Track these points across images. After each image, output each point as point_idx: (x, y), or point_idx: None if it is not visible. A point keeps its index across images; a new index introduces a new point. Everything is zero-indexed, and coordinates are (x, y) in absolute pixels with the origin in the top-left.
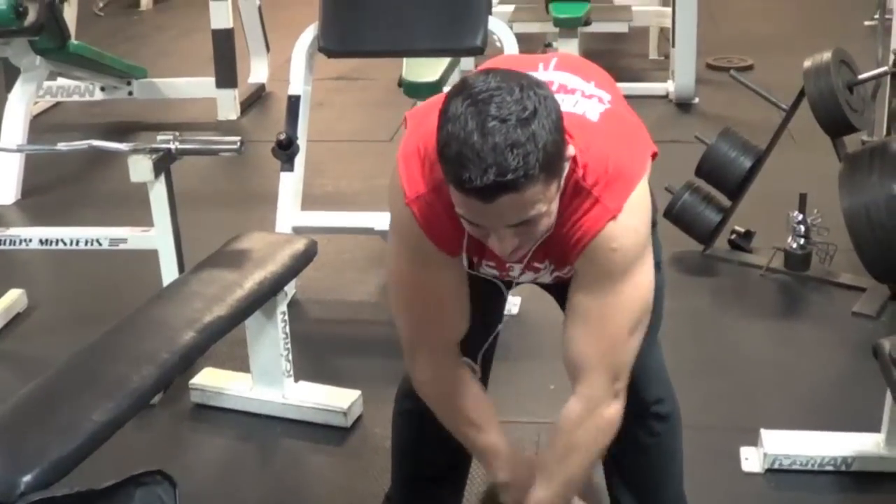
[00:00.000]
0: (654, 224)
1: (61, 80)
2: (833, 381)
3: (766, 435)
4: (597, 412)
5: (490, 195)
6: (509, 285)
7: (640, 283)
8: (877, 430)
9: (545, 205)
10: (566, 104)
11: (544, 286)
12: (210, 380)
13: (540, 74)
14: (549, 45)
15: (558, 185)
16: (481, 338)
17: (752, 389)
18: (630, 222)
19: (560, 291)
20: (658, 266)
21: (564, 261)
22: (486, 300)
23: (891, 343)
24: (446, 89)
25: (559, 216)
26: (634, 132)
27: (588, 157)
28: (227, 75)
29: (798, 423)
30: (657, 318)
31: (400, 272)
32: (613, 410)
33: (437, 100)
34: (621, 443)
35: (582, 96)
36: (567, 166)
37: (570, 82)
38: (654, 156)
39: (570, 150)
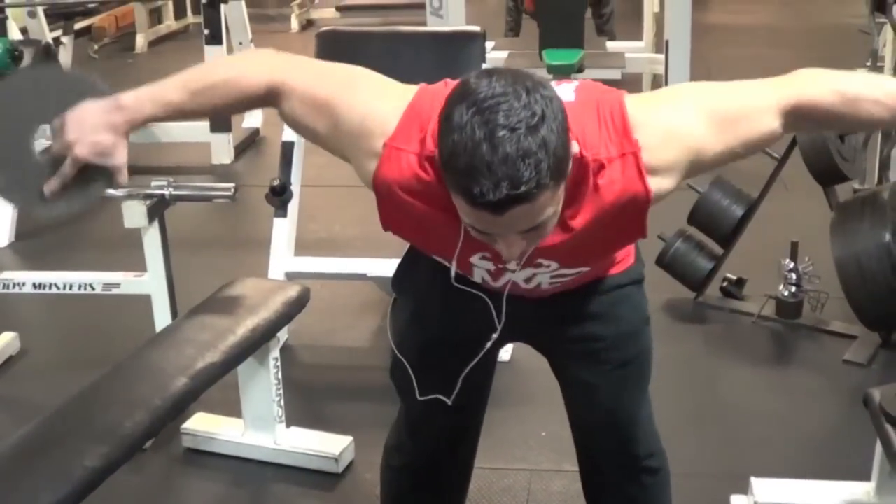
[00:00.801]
0: (642, 279)
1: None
2: (824, 429)
3: (757, 483)
4: None
5: (502, 208)
6: (499, 309)
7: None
8: (867, 478)
9: (554, 207)
10: None
11: (535, 344)
12: (202, 425)
13: None
14: None
15: (565, 184)
16: (473, 373)
17: (743, 437)
18: (655, 130)
19: (550, 346)
20: (646, 321)
21: (598, 251)
22: (475, 341)
23: (881, 392)
24: None
25: (589, 210)
26: (609, 89)
27: (584, 139)
28: (221, 120)
29: (789, 472)
30: (648, 372)
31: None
32: None
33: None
34: (610, 496)
35: (555, 84)
36: (571, 163)
37: None
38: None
39: (575, 147)
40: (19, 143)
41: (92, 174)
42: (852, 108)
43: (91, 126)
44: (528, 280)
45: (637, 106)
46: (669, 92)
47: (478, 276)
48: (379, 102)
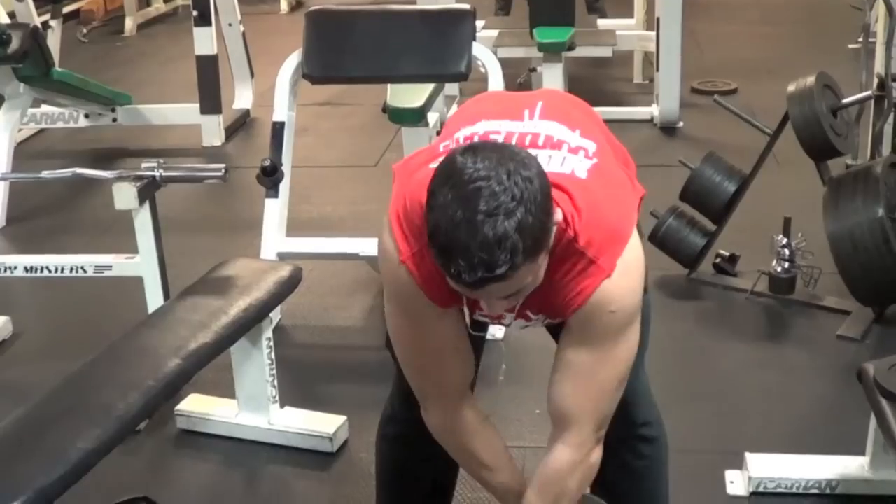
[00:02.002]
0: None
1: (45, 107)
2: (818, 404)
3: (751, 458)
4: (585, 460)
5: (478, 286)
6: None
7: (632, 339)
8: (861, 452)
9: (532, 276)
10: (554, 163)
11: None
12: (196, 406)
13: (526, 124)
14: (533, 70)
15: (546, 254)
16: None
17: (737, 413)
18: (626, 283)
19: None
20: (644, 290)
21: (559, 315)
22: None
23: (875, 366)
24: (430, 115)
25: (554, 276)
26: (622, 185)
27: (580, 217)
28: (211, 101)
29: (783, 447)
30: (644, 341)
31: (401, 329)
32: (597, 455)
33: (426, 154)
34: (608, 466)
35: (568, 150)
36: (554, 232)
37: (556, 133)
38: (642, 198)
39: (558, 216)
40: None
41: None
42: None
43: None
44: (524, 328)
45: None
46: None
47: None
48: (386, 261)
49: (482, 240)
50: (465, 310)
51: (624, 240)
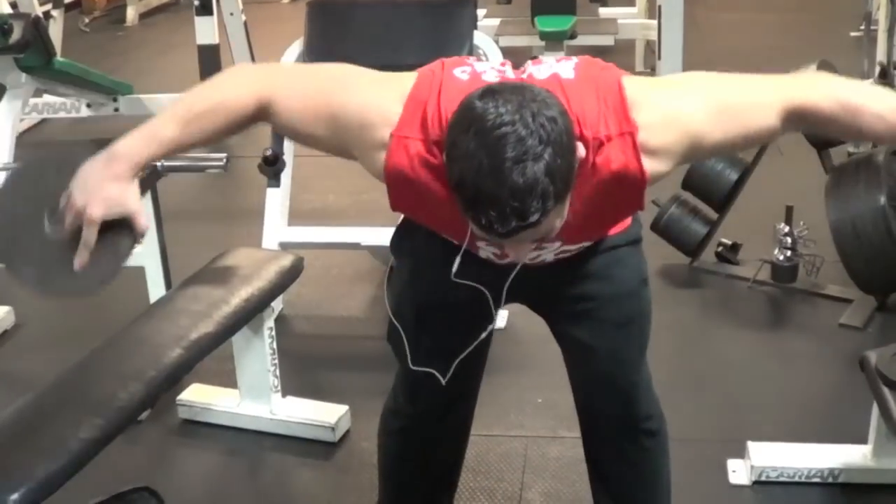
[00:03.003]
0: (639, 240)
1: (47, 97)
2: (820, 392)
3: (754, 447)
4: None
5: (510, 235)
6: (497, 299)
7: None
8: (864, 441)
9: (560, 217)
10: (542, 72)
11: (532, 305)
12: (197, 396)
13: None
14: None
15: (571, 190)
16: (461, 344)
17: (739, 401)
18: (654, 112)
19: (548, 308)
20: (645, 282)
21: (609, 223)
22: (471, 306)
23: (877, 355)
24: None
25: (588, 188)
26: (607, 67)
27: (583, 118)
28: None
29: (785, 435)
30: (646, 335)
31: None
32: None
33: (446, 62)
34: (609, 458)
35: (555, 62)
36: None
37: (541, 64)
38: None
39: (581, 152)
40: (34, 235)
41: (114, 232)
42: (852, 118)
43: (95, 184)
44: (533, 258)
45: (637, 87)
46: (674, 78)
47: (483, 254)
48: (375, 93)
49: (512, 187)
50: (456, 260)
51: (623, 100)
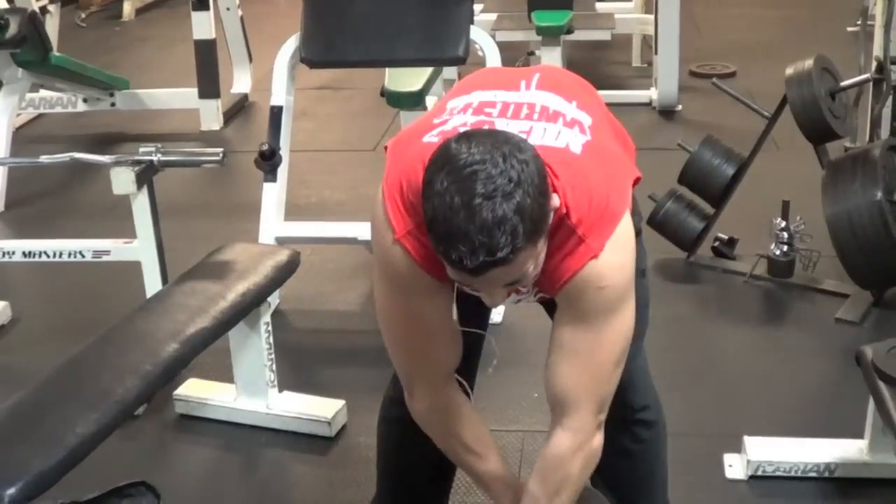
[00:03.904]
0: (639, 232)
1: (44, 92)
2: (816, 387)
3: (750, 442)
4: (586, 445)
5: (480, 272)
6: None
7: (627, 317)
8: (860, 436)
9: (533, 261)
10: (549, 136)
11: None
12: (194, 390)
13: (522, 94)
14: (531, 54)
15: (545, 239)
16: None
17: (736, 396)
18: (616, 259)
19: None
20: (643, 273)
21: (549, 291)
22: (468, 308)
23: (873, 350)
24: (429, 99)
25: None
26: (617, 163)
27: (572, 194)
28: (209, 86)
29: (782, 430)
30: (643, 325)
31: (391, 308)
32: (598, 440)
33: (416, 127)
34: (606, 450)
35: (563, 124)
36: (552, 216)
37: (552, 104)
38: (637, 181)
39: (555, 202)
40: None
41: None
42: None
43: None
44: (517, 302)
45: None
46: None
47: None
48: (379, 238)
49: (481, 223)
50: (454, 308)
51: (616, 219)
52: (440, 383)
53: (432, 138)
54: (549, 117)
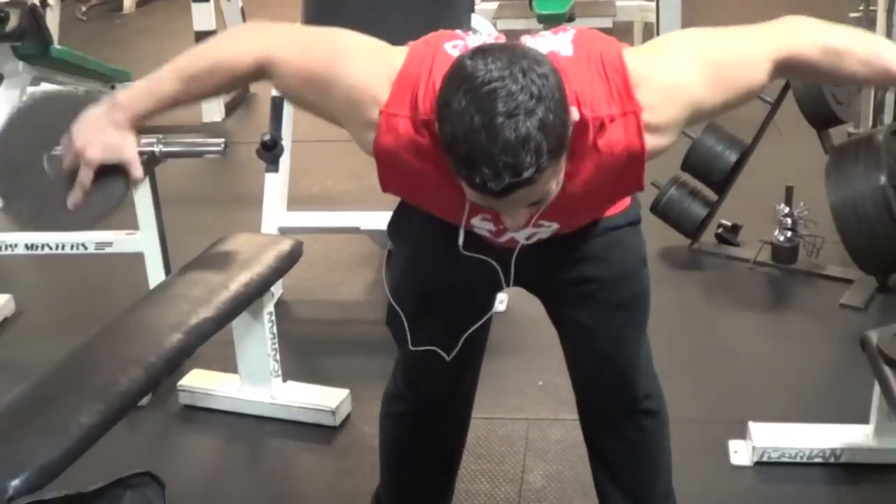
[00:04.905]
0: (638, 220)
1: (45, 86)
2: (821, 373)
3: (755, 428)
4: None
5: (504, 194)
6: (506, 268)
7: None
8: (865, 421)
9: (556, 179)
10: (538, 46)
11: (531, 288)
12: (198, 381)
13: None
14: None
15: (565, 155)
16: (461, 327)
17: (741, 382)
18: (655, 88)
19: (547, 290)
20: (644, 261)
21: (608, 202)
22: (470, 289)
23: (878, 335)
24: None
25: (588, 169)
26: (608, 43)
27: (583, 97)
28: None
29: (786, 416)
30: (646, 313)
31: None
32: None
33: (439, 36)
34: (609, 439)
35: (551, 35)
36: (571, 130)
37: (536, 35)
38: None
39: (575, 115)
40: (33, 171)
41: (109, 177)
42: (836, 64)
43: (95, 129)
44: (529, 237)
45: (637, 60)
46: (666, 44)
47: (479, 232)
48: (367, 70)
49: (504, 142)
50: (461, 232)
51: (625, 73)
52: None
53: (454, 50)
54: (534, 35)
